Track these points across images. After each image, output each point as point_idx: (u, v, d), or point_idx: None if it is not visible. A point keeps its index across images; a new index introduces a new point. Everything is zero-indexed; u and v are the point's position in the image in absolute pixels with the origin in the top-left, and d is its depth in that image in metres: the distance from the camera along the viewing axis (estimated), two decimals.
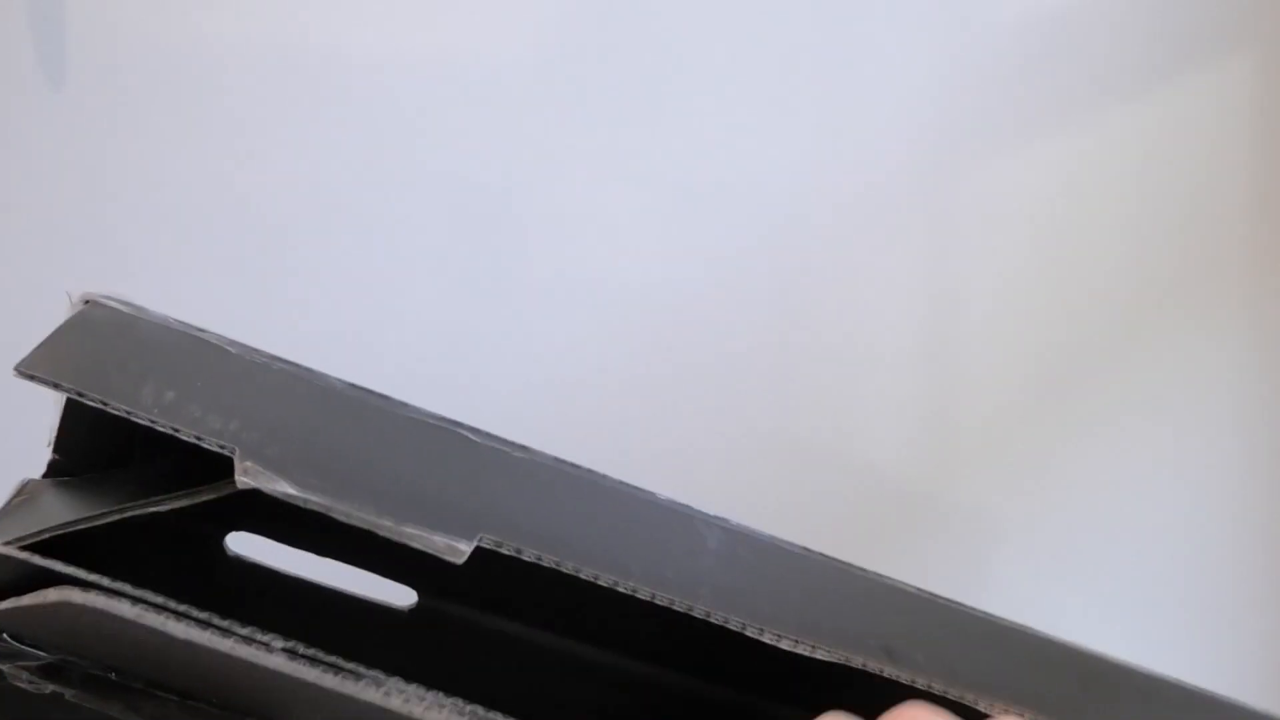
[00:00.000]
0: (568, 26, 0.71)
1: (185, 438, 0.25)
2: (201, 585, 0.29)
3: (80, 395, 0.27)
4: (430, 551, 0.25)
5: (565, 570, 0.25)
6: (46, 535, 0.25)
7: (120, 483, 0.30)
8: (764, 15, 0.71)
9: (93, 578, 0.24)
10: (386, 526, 0.25)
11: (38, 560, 0.24)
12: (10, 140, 0.69)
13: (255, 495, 0.26)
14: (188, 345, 0.29)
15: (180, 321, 0.29)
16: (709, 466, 0.73)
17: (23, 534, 0.25)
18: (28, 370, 0.28)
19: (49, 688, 0.25)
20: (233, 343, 0.30)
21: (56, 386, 0.28)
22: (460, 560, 0.25)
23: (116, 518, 0.26)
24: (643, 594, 0.26)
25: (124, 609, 0.23)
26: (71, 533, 0.26)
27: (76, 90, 0.69)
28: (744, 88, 0.72)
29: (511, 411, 0.71)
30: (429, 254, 0.71)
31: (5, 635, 0.25)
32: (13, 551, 0.24)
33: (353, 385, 0.30)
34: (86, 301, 0.28)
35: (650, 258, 0.72)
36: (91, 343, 0.28)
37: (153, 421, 0.26)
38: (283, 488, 0.25)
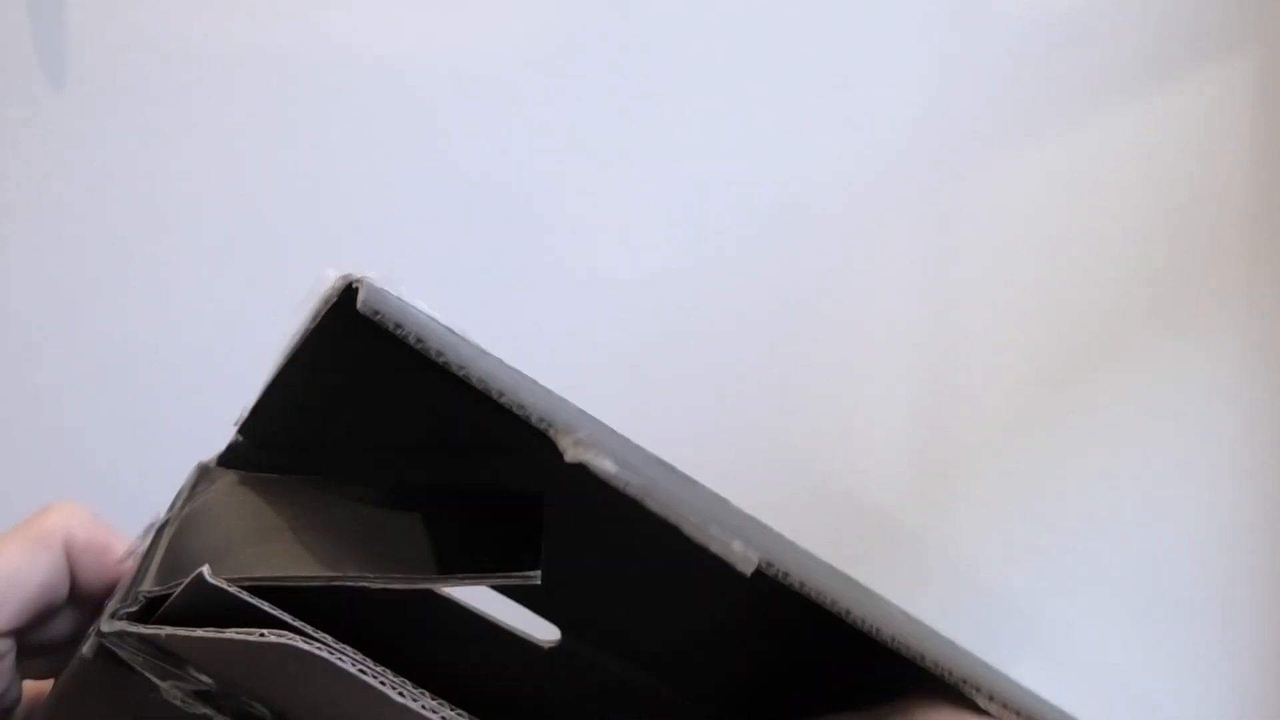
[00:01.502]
0: (572, 24, 0.71)
1: (509, 405, 0.25)
2: (374, 601, 0.28)
3: (420, 341, 0.27)
4: (725, 556, 0.26)
5: (831, 608, 0.27)
6: (290, 584, 0.25)
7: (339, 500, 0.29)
8: (768, 14, 0.71)
9: (319, 636, 0.24)
10: (692, 523, 0.26)
11: (262, 605, 0.24)
12: (10, 140, 0.69)
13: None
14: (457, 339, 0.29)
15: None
16: (708, 466, 0.73)
17: (256, 574, 0.25)
18: (373, 308, 0.27)
19: (200, 709, 0.25)
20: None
21: (399, 328, 0.27)
22: (749, 570, 0.26)
23: (435, 585, 0.27)
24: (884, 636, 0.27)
25: (347, 665, 0.24)
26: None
27: (77, 90, 0.69)
28: (747, 87, 0.72)
29: None
30: (429, 254, 0.71)
31: (173, 653, 0.25)
32: (238, 592, 0.24)
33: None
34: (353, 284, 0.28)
35: (651, 256, 0.72)
36: (393, 305, 0.28)
37: (485, 386, 0.26)
38: (608, 465, 0.26)
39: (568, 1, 0.70)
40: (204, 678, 0.25)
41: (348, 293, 0.28)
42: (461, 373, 0.27)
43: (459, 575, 0.27)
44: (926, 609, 0.77)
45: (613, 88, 0.71)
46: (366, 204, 0.71)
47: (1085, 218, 0.73)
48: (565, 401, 0.32)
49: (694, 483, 0.34)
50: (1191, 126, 0.73)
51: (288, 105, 0.70)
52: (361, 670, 0.24)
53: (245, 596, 0.24)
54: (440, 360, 0.27)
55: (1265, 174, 0.73)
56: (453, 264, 0.71)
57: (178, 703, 0.25)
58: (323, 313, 0.28)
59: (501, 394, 0.26)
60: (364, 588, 0.26)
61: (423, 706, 0.24)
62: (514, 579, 0.26)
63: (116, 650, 0.25)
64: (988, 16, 0.71)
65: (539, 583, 0.26)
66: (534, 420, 0.26)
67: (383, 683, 0.24)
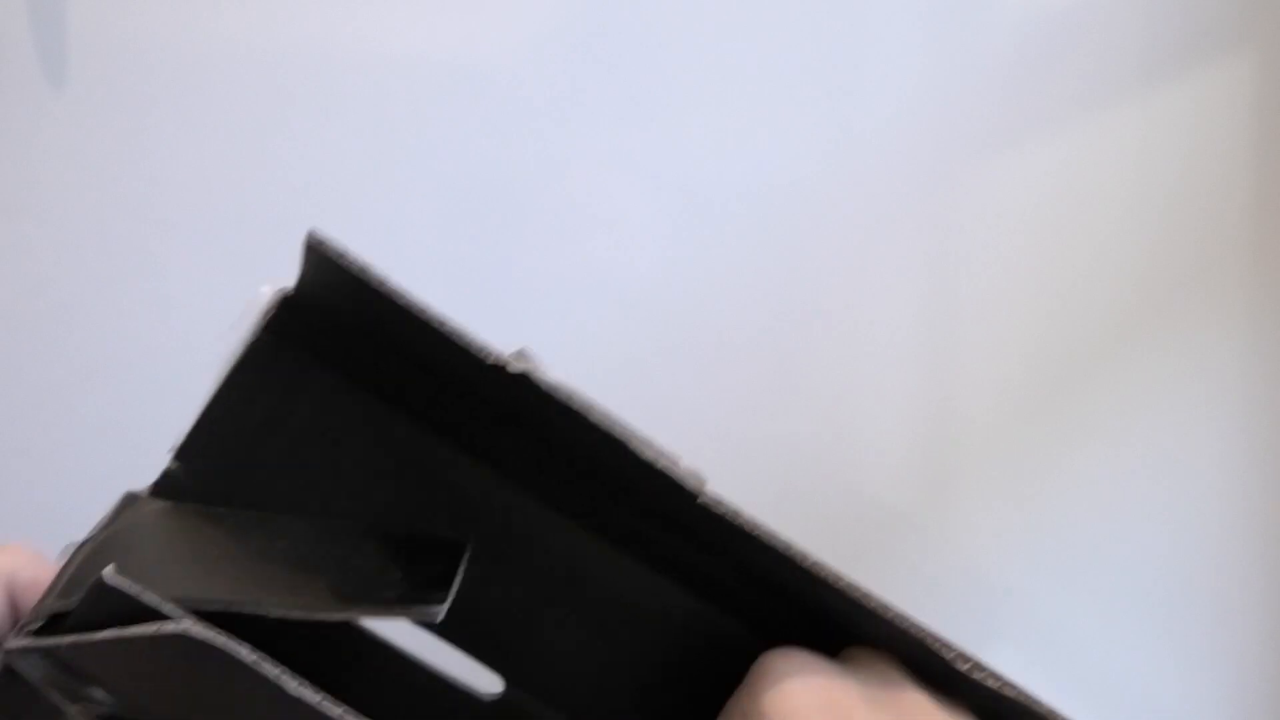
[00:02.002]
0: (571, 24, 0.71)
1: (449, 333, 0.25)
2: (303, 638, 0.28)
3: (363, 271, 0.26)
4: (671, 473, 0.25)
5: (799, 561, 0.25)
6: (189, 605, 0.24)
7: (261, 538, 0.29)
8: (767, 14, 0.71)
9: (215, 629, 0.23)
10: (638, 439, 0.25)
11: (163, 606, 0.24)
12: (11, 140, 0.69)
13: None
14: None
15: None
16: (708, 465, 0.73)
17: (180, 592, 0.24)
18: (318, 240, 0.26)
19: None
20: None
21: (340, 257, 0.26)
22: (700, 488, 0.26)
23: (333, 616, 0.26)
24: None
25: (243, 653, 0.23)
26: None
27: (78, 90, 0.69)
28: (747, 87, 0.72)
29: None
30: (429, 253, 0.71)
31: (78, 670, 0.24)
32: (139, 593, 0.24)
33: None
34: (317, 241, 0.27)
35: (651, 256, 0.72)
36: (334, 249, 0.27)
37: (426, 315, 0.25)
38: (552, 376, 0.25)
39: (568, 4, 0.70)
40: (108, 698, 0.25)
41: (283, 305, 0.27)
42: (402, 301, 0.26)
43: (360, 607, 0.27)
44: (926, 609, 0.77)
45: (612, 87, 0.71)
46: (366, 203, 0.71)
47: (1085, 218, 0.73)
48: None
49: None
50: (1190, 127, 0.73)
51: (287, 105, 0.70)
52: (257, 662, 0.23)
53: (146, 597, 0.24)
54: (383, 289, 0.26)
55: (1264, 174, 0.73)
56: (452, 263, 0.71)
57: None
58: (260, 327, 0.28)
59: (443, 324, 0.26)
60: (261, 615, 0.25)
61: (321, 700, 0.23)
62: (413, 613, 0.26)
63: (21, 670, 0.24)
64: (986, 17, 0.71)
65: (439, 619, 0.26)
66: (474, 349, 0.26)
67: (279, 676, 0.23)
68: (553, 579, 0.31)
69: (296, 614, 0.25)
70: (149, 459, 0.71)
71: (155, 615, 0.24)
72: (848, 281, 0.73)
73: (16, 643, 0.25)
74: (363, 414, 0.27)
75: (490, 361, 0.26)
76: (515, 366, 0.25)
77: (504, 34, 0.70)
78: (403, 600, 0.27)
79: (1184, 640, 0.76)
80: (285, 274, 0.71)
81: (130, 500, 0.29)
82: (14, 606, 0.30)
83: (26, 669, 0.24)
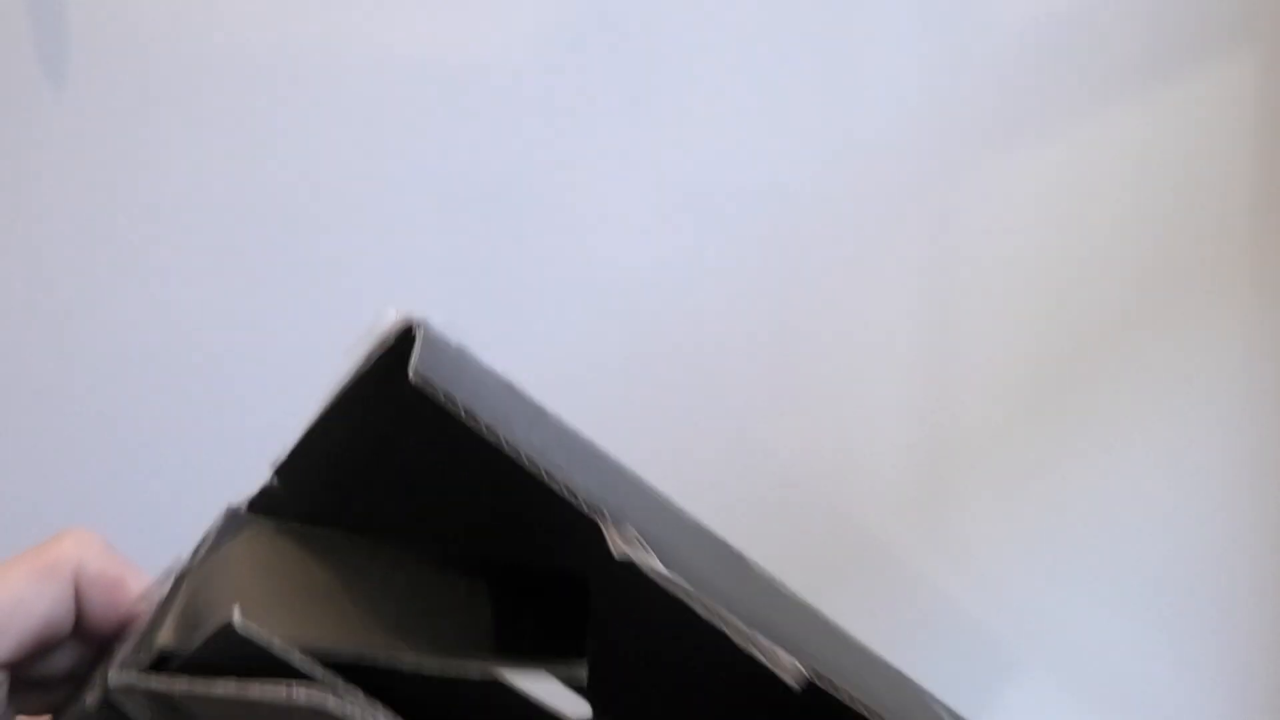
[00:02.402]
0: (569, 25, 0.71)
1: (559, 489, 0.24)
2: (428, 683, 0.26)
3: (470, 415, 0.25)
4: (772, 667, 0.24)
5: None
6: (319, 654, 0.23)
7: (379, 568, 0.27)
8: (766, 14, 0.71)
9: (349, 694, 0.22)
10: (739, 630, 0.24)
11: (292, 659, 0.22)
12: (11, 140, 0.69)
13: None
14: (515, 398, 0.27)
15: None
16: (708, 464, 0.73)
17: (307, 636, 0.23)
18: (423, 377, 0.25)
19: None
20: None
21: (449, 400, 0.25)
22: (798, 685, 0.24)
23: (476, 674, 0.25)
24: None
25: None
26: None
27: (78, 90, 0.69)
28: (746, 87, 0.72)
29: None
30: (430, 253, 0.71)
31: (184, 714, 0.23)
32: (270, 642, 0.22)
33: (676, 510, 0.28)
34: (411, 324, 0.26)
35: (651, 255, 0.72)
36: (447, 365, 0.26)
37: (535, 466, 0.24)
38: (655, 564, 0.24)
39: (567, 4, 0.70)
40: None
41: (405, 337, 0.26)
42: (512, 452, 0.25)
43: (499, 664, 0.25)
44: (926, 608, 0.77)
45: (611, 87, 0.71)
46: (366, 203, 0.71)
47: (1084, 218, 0.73)
48: (615, 470, 0.30)
49: (744, 563, 0.32)
50: (1191, 127, 0.73)
51: (287, 105, 0.70)
52: None
53: (276, 648, 0.22)
54: (490, 438, 0.25)
55: (1265, 174, 0.73)
56: (452, 262, 0.71)
57: None
58: (377, 356, 0.27)
59: (551, 475, 0.25)
60: (395, 669, 0.24)
61: None
62: (558, 671, 0.25)
63: (123, 705, 0.23)
64: (986, 17, 0.71)
65: (584, 680, 0.25)
66: (584, 508, 0.25)
67: None
68: (660, 638, 0.30)
69: (435, 670, 0.24)
70: (149, 459, 0.71)
71: (285, 668, 0.22)
72: (848, 281, 0.73)
73: (122, 679, 0.23)
74: (476, 449, 0.25)
75: (599, 524, 0.24)
76: (620, 552, 0.24)
77: (505, 34, 0.70)
78: (542, 653, 0.26)
79: (1184, 640, 0.76)
80: (285, 274, 0.71)
81: (233, 517, 0.28)
82: (80, 598, 0.29)
83: (130, 708, 0.23)
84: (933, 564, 0.75)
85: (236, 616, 0.22)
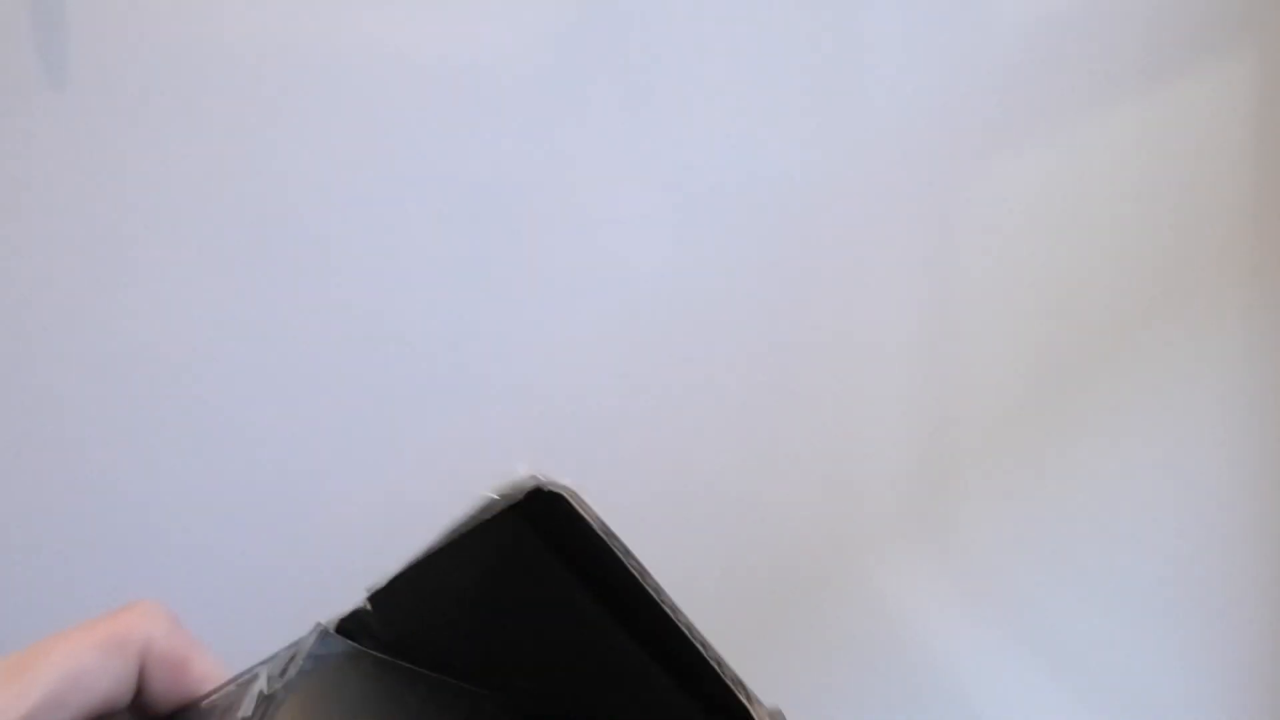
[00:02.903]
0: (574, 26, 0.71)
1: (710, 658, 0.24)
2: None
3: (606, 533, 0.25)
4: None
5: None
6: None
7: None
8: (767, 15, 0.71)
9: None
10: None
11: None
12: (11, 140, 0.69)
13: None
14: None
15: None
16: (708, 464, 0.73)
17: None
18: (567, 491, 0.25)
19: None
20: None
21: (604, 529, 0.25)
22: None
23: None
24: None
25: None
26: None
27: (78, 90, 0.69)
28: (747, 88, 0.72)
29: (511, 410, 0.71)
30: (431, 252, 0.71)
31: None
32: None
33: None
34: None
35: (652, 256, 0.72)
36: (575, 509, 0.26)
37: (680, 621, 0.24)
38: None
39: (571, 5, 0.70)
40: None
41: (531, 498, 0.26)
42: (657, 595, 0.25)
43: None
44: (926, 609, 0.77)
45: (613, 88, 0.71)
46: (367, 203, 0.71)
47: (1084, 218, 0.73)
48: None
49: None
50: (1191, 127, 0.73)
51: (287, 105, 0.70)
52: None
53: None
54: (635, 573, 0.25)
55: (1265, 174, 0.73)
56: (453, 261, 0.71)
57: None
58: (499, 509, 0.26)
59: (705, 645, 0.25)
60: None
61: None
62: None
63: None
64: (987, 18, 0.71)
65: None
66: (727, 676, 0.25)
67: None
68: None
69: None
70: (148, 459, 0.71)
71: None
72: (849, 280, 0.73)
73: None
74: (578, 611, 0.26)
75: (739, 697, 0.24)
76: None
77: (506, 35, 0.70)
78: None
79: (1184, 639, 0.76)
80: (284, 274, 0.71)
81: (322, 637, 0.28)
82: (144, 675, 0.29)
83: None
84: (932, 564, 0.75)
85: None
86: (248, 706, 0.26)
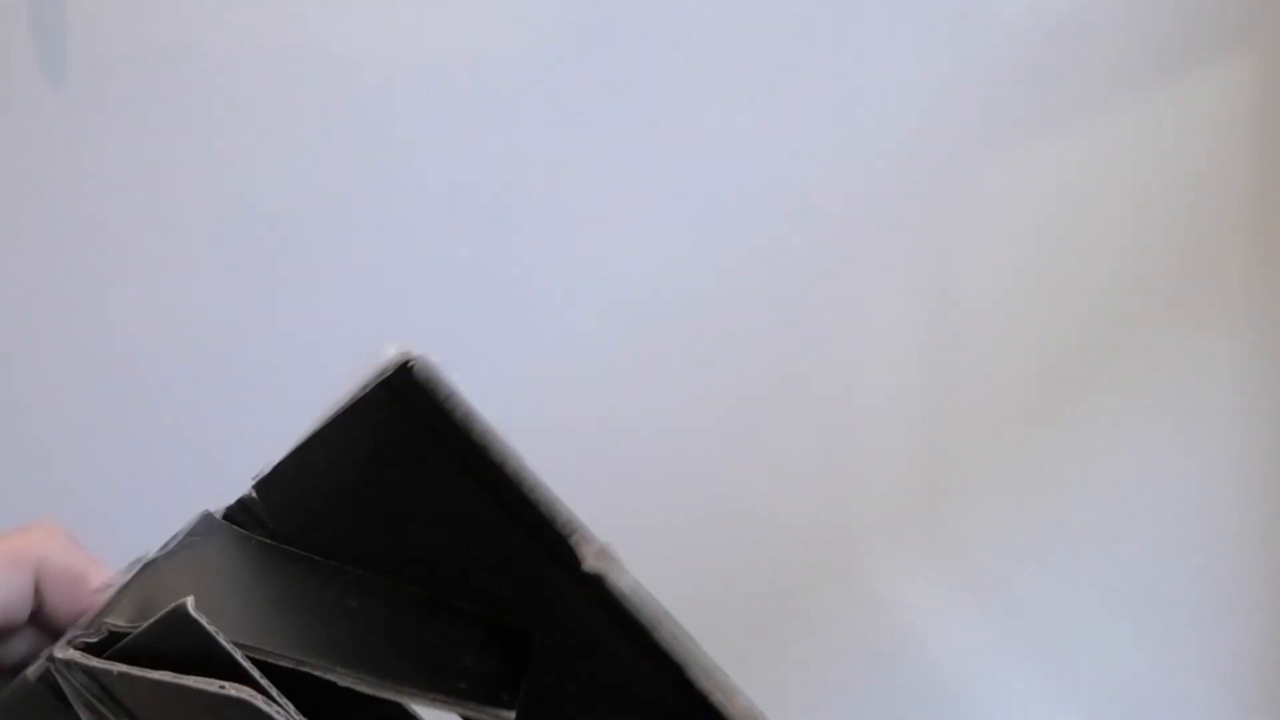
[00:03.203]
0: (572, 27, 0.71)
1: (537, 501, 0.25)
2: (357, 706, 0.27)
3: (466, 419, 0.26)
4: (724, 710, 0.25)
5: None
6: (260, 656, 0.24)
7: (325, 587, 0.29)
8: (768, 16, 0.71)
9: (281, 701, 0.23)
10: (700, 666, 0.25)
11: (236, 654, 0.23)
12: (11, 140, 0.69)
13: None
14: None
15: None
16: (708, 464, 0.73)
17: (229, 634, 0.24)
18: (427, 376, 0.26)
19: None
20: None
21: (448, 400, 0.26)
22: None
23: (408, 700, 0.26)
24: None
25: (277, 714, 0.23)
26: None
27: (77, 90, 0.69)
28: (748, 90, 0.72)
29: (511, 410, 0.71)
30: (431, 252, 0.71)
31: (117, 698, 0.24)
32: (215, 633, 0.23)
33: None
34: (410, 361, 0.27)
35: (652, 257, 0.72)
36: (442, 388, 0.27)
37: (520, 477, 0.25)
38: (626, 581, 0.25)
39: (570, 6, 0.70)
40: None
41: (401, 372, 0.26)
42: (499, 460, 0.26)
43: (431, 695, 0.26)
44: (926, 609, 0.77)
45: (613, 90, 0.71)
46: (366, 204, 0.71)
47: (1085, 218, 0.73)
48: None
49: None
50: (1191, 127, 0.73)
51: (287, 106, 0.70)
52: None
53: (221, 640, 0.23)
54: (481, 442, 0.26)
55: (1265, 174, 0.73)
56: (454, 261, 0.71)
57: None
58: (371, 387, 0.27)
59: (533, 489, 0.26)
60: (331, 681, 0.25)
61: None
62: (485, 713, 0.26)
63: (61, 680, 0.24)
64: (988, 17, 0.71)
65: None
66: (559, 524, 0.26)
67: None
68: (603, 690, 0.30)
69: (365, 688, 0.25)
70: (142, 459, 0.71)
71: (223, 661, 0.23)
72: (849, 281, 0.73)
73: (65, 654, 0.24)
74: (456, 492, 0.27)
75: (570, 541, 0.25)
76: (592, 565, 0.25)
77: (507, 37, 0.70)
78: (474, 694, 0.26)
79: (1183, 639, 0.76)
80: (284, 274, 0.71)
81: (206, 522, 0.29)
82: (39, 592, 0.29)
83: (67, 683, 0.24)
84: (932, 563, 0.75)
85: (190, 605, 0.23)
86: (127, 573, 0.27)
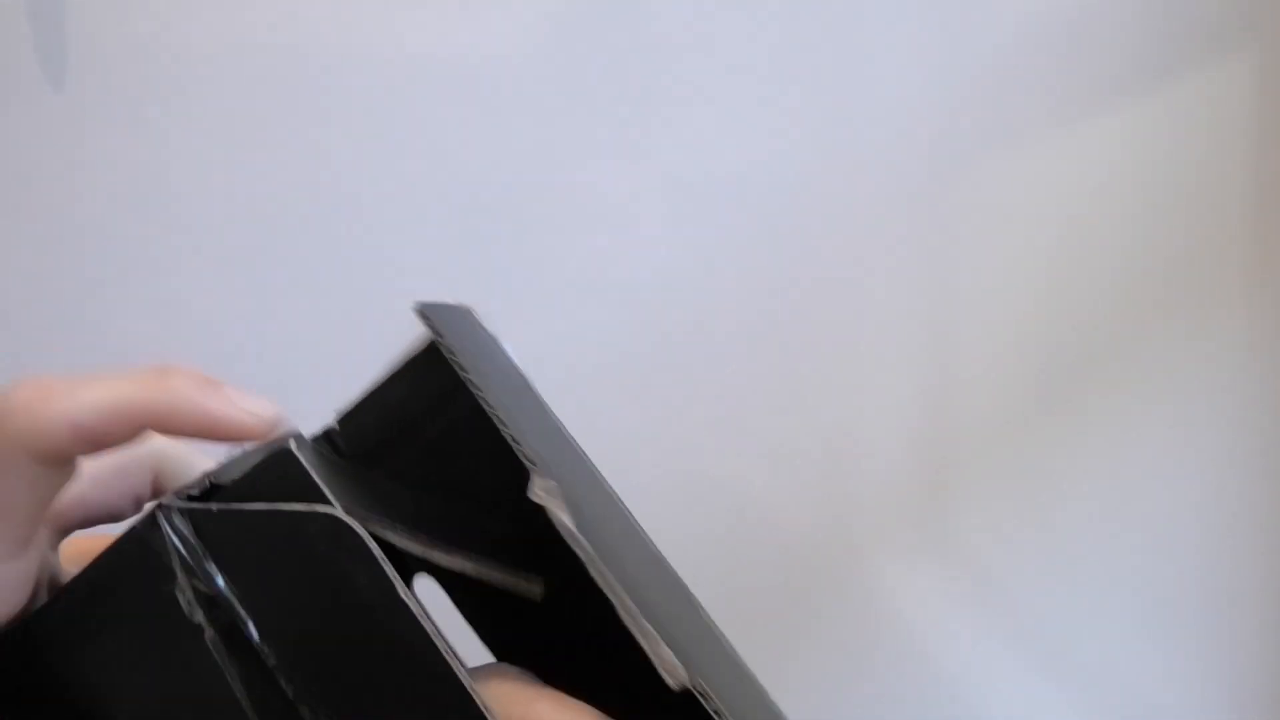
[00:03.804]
0: (574, 25, 0.71)
1: (507, 435, 0.27)
2: None
3: (452, 354, 0.29)
4: (653, 659, 0.26)
5: None
6: (374, 530, 0.26)
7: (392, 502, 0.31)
8: (768, 16, 0.71)
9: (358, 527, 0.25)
10: (631, 609, 0.26)
11: (318, 482, 0.25)
12: (11, 140, 0.69)
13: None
14: (516, 379, 0.31)
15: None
16: (708, 464, 0.73)
17: (354, 509, 0.26)
18: (426, 311, 0.30)
19: (197, 617, 0.25)
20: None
21: (440, 338, 0.29)
22: (675, 686, 0.25)
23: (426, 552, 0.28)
24: None
25: (377, 551, 0.24)
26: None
27: (76, 90, 0.69)
28: (748, 89, 0.72)
29: None
30: (432, 251, 0.71)
31: (210, 542, 0.25)
32: (311, 469, 0.25)
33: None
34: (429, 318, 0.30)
35: (652, 254, 0.72)
36: (460, 325, 0.31)
37: (494, 412, 0.28)
38: (565, 519, 0.26)
39: (569, 3, 0.70)
40: (220, 581, 0.25)
41: (428, 340, 0.30)
42: (478, 393, 0.28)
43: (478, 560, 0.29)
44: (926, 609, 0.77)
45: (614, 89, 0.71)
46: (367, 204, 0.71)
47: (1084, 218, 0.73)
48: (575, 453, 0.33)
49: (652, 552, 0.34)
50: (1191, 126, 0.73)
51: (288, 106, 0.70)
52: (384, 560, 0.25)
53: (315, 476, 0.25)
54: (464, 376, 0.28)
55: (1265, 174, 0.73)
56: (454, 260, 0.71)
57: (183, 603, 0.25)
58: (427, 341, 0.30)
59: (505, 423, 0.28)
60: (407, 550, 0.27)
61: (423, 615, 0.25)
62: (519, 578, 0.28)
63: (160, 526, 0.25)
64: (986, 17, 0.71)
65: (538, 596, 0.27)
66: (525, 453, 0.27)
67: (396, 579, 0.24)
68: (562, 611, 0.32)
69: (441, 554, 0.28)
70: None
71: (316, 497, 0.25)
72: (849, 278, 0.73)
73: (170, 501, 0.26)
74: (490, 437, 0.28)
75: (529, 471, 0.27)
76: (535, 498, 0.27)
77: (507, 33, 0.70)
78: (507, 565, 0.29)
79: (1182, 639, 0.76)
80: (284, 274, 0.71)
81: (299, 438, 0.31)
82: (157, 487, 0.30)
83: (165, 528, 0.25)
84: (932, 563, 0.75)
85: (292, 444, 0.25)
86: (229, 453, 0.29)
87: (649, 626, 0.26)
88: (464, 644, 0.29)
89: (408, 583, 0.30)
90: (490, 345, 0.33)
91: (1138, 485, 0.75)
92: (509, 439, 0.27)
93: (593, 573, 0.26)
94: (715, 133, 0.72)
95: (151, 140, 0.70)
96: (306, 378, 0.69)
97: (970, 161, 0.72)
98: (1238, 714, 0.75)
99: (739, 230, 0.72)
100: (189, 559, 0.25)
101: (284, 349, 0.71)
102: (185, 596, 0.25)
